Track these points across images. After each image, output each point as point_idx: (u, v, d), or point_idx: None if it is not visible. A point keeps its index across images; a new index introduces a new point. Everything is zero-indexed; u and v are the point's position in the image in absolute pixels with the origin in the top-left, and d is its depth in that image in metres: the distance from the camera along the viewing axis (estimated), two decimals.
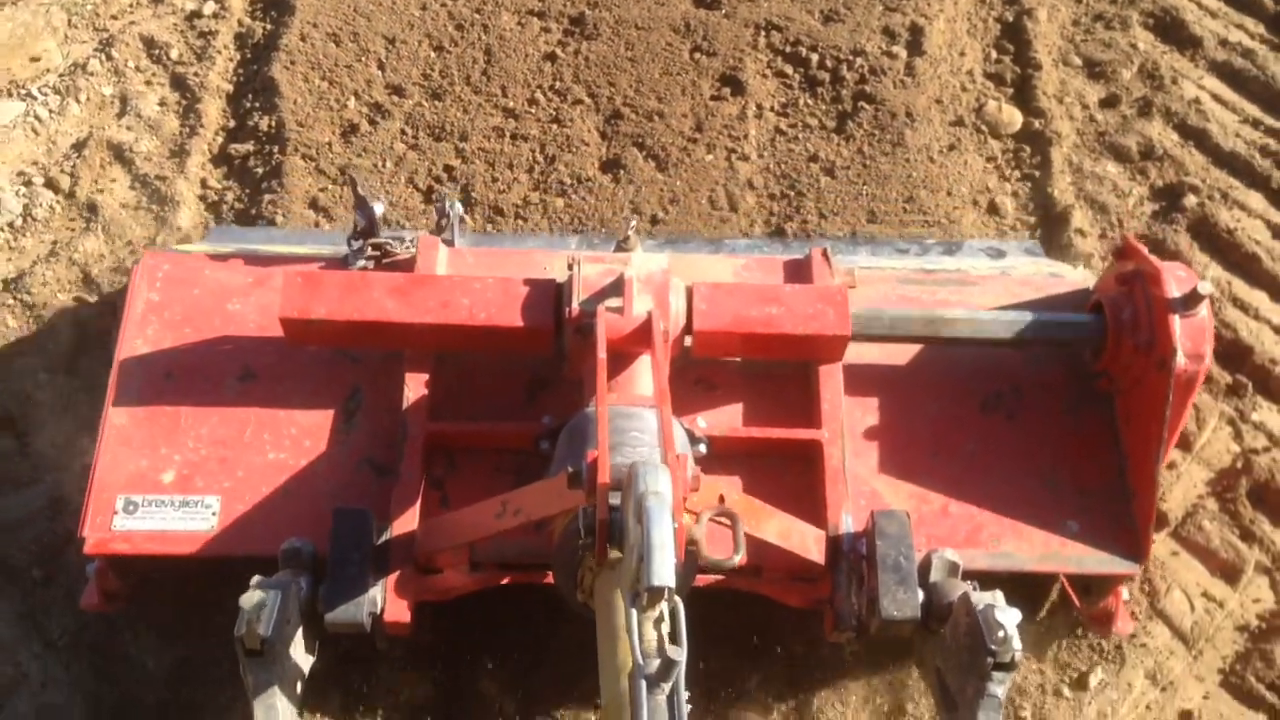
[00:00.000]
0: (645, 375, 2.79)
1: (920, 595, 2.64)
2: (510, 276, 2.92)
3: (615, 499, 2.26)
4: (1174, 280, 2.86)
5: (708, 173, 3.96)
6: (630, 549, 2.13)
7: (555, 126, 4.04)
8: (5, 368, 3.59)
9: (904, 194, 3.95)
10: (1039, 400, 3.14)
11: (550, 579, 2.61)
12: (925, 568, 2.72)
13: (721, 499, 2.46)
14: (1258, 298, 3.88)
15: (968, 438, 3.08)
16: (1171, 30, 4.46)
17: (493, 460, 2.94)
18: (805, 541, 2.74)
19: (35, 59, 4.20)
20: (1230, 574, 3.39)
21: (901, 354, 3.15)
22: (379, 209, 3.10)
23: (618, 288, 2.79)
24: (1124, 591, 3.06)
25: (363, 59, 4.18)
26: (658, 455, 2.42)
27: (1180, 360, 2.80)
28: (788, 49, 4.25)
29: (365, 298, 2.85)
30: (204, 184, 3.98)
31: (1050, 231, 3.94)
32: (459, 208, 3.24)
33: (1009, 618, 2.47)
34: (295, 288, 2.85)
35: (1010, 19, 4.45)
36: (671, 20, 4.28)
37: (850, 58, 4.22)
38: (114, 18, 4.33)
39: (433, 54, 4.20)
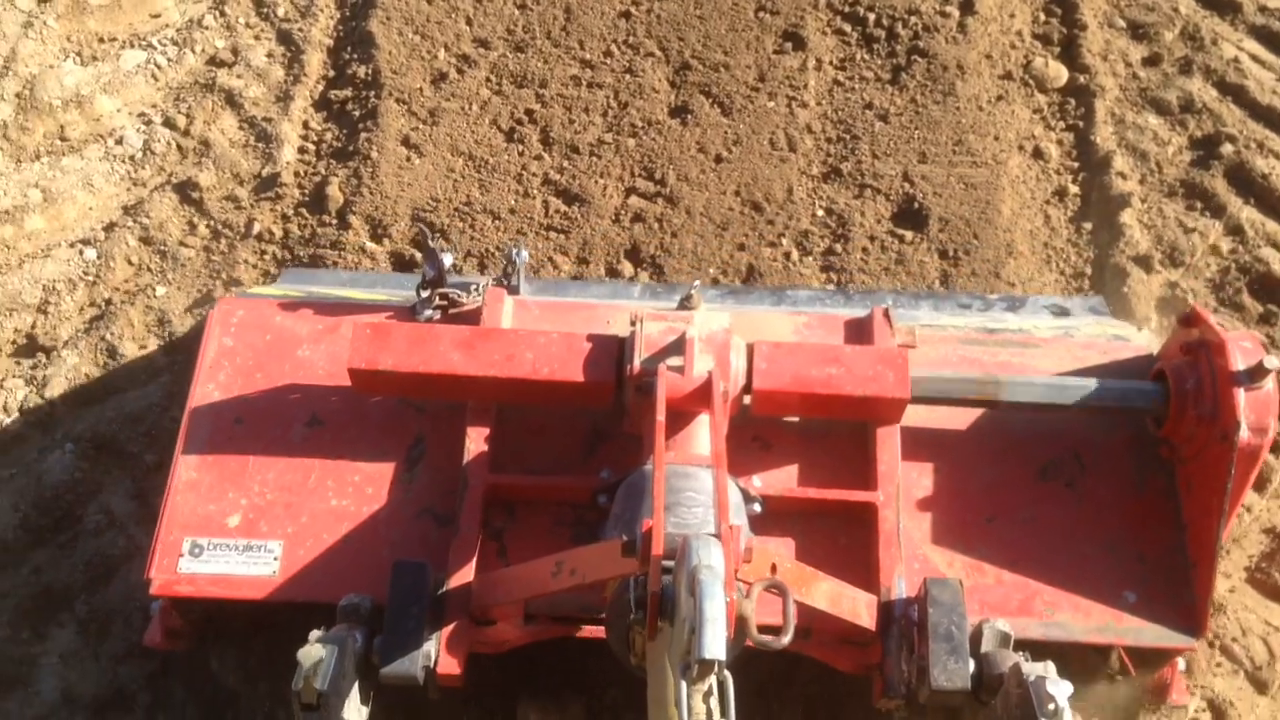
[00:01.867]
0: (704, 434, 2.80)
1: (971, 665, 2.61)
2: (574, 331, 2.95)
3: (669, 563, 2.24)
4: (1239, 352, 2.81)
5: (769, 118, 4.25)
6: (681, 621, 2.12)
7: (628, 76, 4.36)
8: (128, 290, 3.96)
9: (953, 138, 4.21)
10: (1099, 468, 3.09)
11: (604, 634, 2.55)
12: (977, 637, 2.69)
13: (774, 569, 2.43)
14: None
15: (1025, 504, 3.04)
16: None
17: (552, 513, 2.96)
18: (856, 607, 2.73)
19: (155, 15, 4.60)
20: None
21: (961, 417, 3.12)
22: (448, 260, 3.17)
23: (679, 347, 2.81)
24: (1180, 662, 3.01)
25: (452, 15, 4.53)
26: (712, 522, 2.42)
27: (1244, 434, 2.76)
28: (846, 8, 4.54)
29: (431, 350, 2.89)
30: (306, 125, 4.34)
31: (1092, 176, 4.19)
32: (525, 256, 3.30)
33: (1061, 690, 2.42)
34: (364, 339, 2.89)
35: None
36: None
37: (905, 16, 4.51)
38: None
39: (516, 11, 4.55)
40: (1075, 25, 4.57)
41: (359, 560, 2.89)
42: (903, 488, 2.97)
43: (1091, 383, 3.02)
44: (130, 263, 4.00)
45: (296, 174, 4.20)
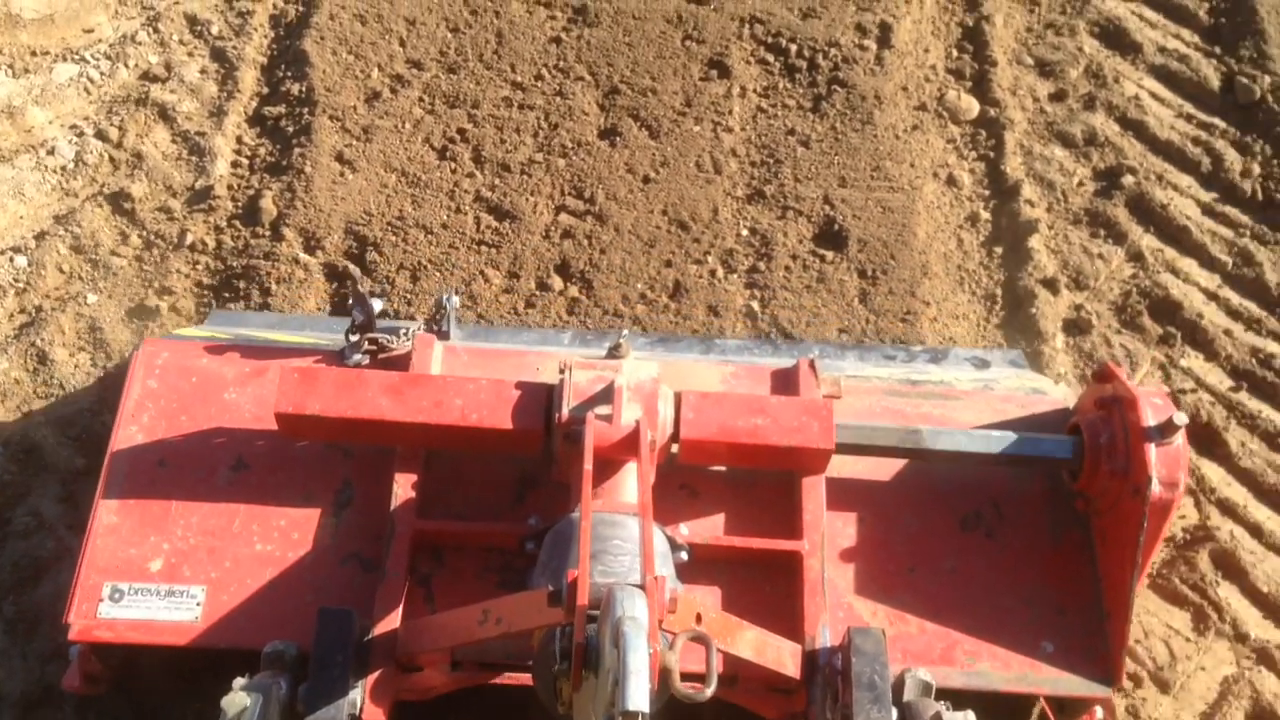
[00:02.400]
0: (631, 482, 2.82)
1: (894, 714, 2.66)
2: (503, 378, 2.98)
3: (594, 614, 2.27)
4: (1150, 408, 2.90)
5: (695, 141, 4.40)
6: (606, 672, 2.16)
7: (559, 99, 4.49)
8: (59, 297, 3.97)
9: (871, 164, 4.39)
10: (1018, 519, 3.18)
11: (531, 681, 2.57)
12: (899, 686, 2.75)
13: (699, 618, 2.44)
14: (1186, 263, 4.31)
15: (947, 554, 3.12)
16: (1115, 37, 4.94)
17: (480, 559, 2.98)
18: (781, 656, 2.76)
19: (88, 30, 4.63)
20: None
21: (884, 468, 3.19)
22: (377, 305, 3.20)
23: (607, 395, 2.84)
24: (1098, 711, 3.05)
25: (385, 37, 4.63)
26: (637, 572, 2.44)
27: (1155, 488, 2.83)
28: (769, 39, 4.72)
29: (360, 395, 2.89)
30: (239, 140, 4.39)
31: (1002, 203, 4.39)
32: (456, 302, 3.34)
33: None
34: (291, 383, 2.89)
35: (970, 23, 4.93)
36: (665, 12, 4.75)
37: (825, 48, 4.69)
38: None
39: (449, 35, 4.66)
40: (986, 61, 4.79)
41: (284, 606, 2.88)
42: (828, 537, 3.02)
43: (1010, 435, 3.10)
44: (61, 270, 4.02)
45: (230, 187, 4.25)
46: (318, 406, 2.87)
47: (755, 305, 4.01)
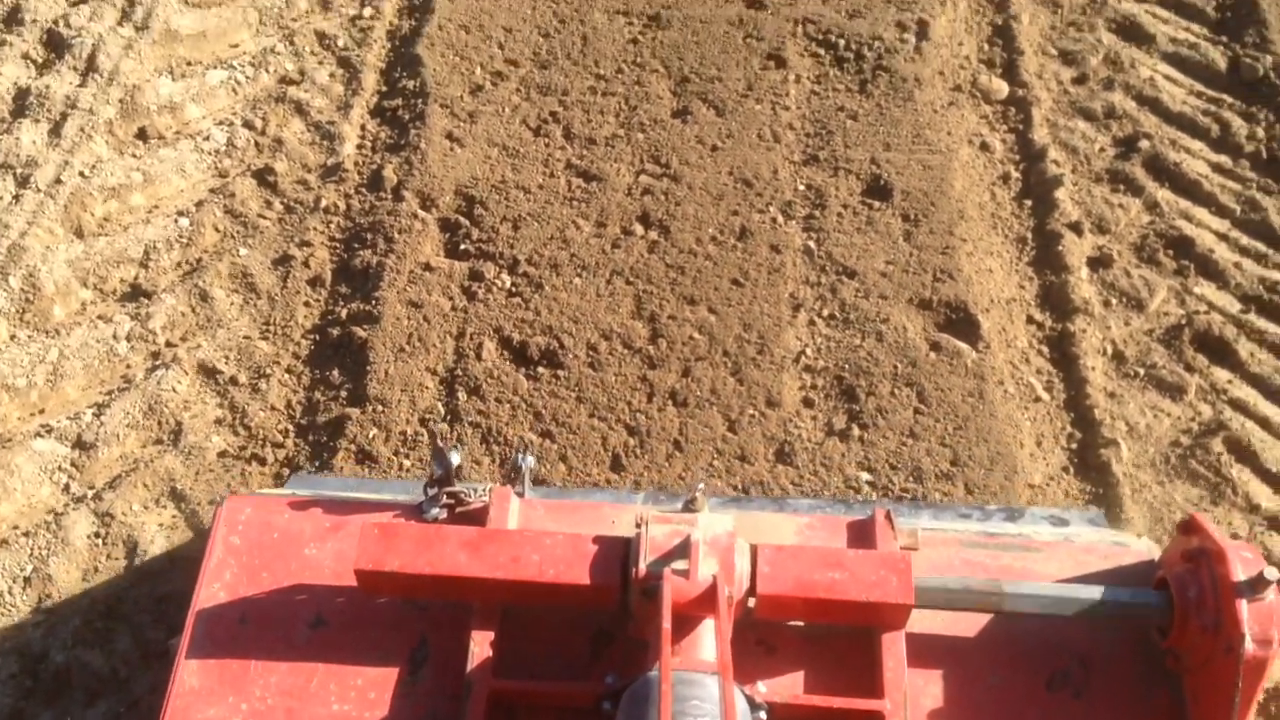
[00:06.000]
0: (709, 639, 2.78)
1: None
2: (579, 532, 2.95)
3: None
4: (1240, 562, 2.78)
5: (756, 117, 5.05)
6: None
7: (637, 87, 5.17)
8: (215, 251, 4.69)
9: (913, 132, 5.00)
10: (1106, 678, 3.05)
11: None
12: None
13: None
14: (1199, 211, 4.83)
15: (1033, 716, 2.98)
16: (1131, 31, 5.54)
17: (556, 718, 2.94)
18: None
19: (234, 45, 5.42)
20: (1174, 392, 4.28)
21: (966, 622, 3.09)
22: (455, 459, 3.20)
23: (684, 550, 2.80)
24: None
25: (487, 41, 5.37)
26: None
27: (1249, 645, 2.72)
28: (820, 36, 5.39)
29: (438, 552, 2.89)
30: (363, 128, 5.12)
31: (1031, 165, 4.96)
32: (531, 461, 3.37)
33: None
34: (371, 539, 2.90)
35: (1000, 22, 5.56)
36: (728, 16, 5.45)
37: (870, 41, 5.34)
38: (294, 19, 5.56)
39: (540, 39, 5.38)
40: (1015, 51, 5.41)
41: None
42: (910, 696, 2.91)
43: (1096, 591, 2.99)
44: (217, 230, 4.72)
45: (356, 163, 4.96)
46: (397, 563, 2.88)
47: (812, 244, 4.60)
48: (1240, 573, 2.76)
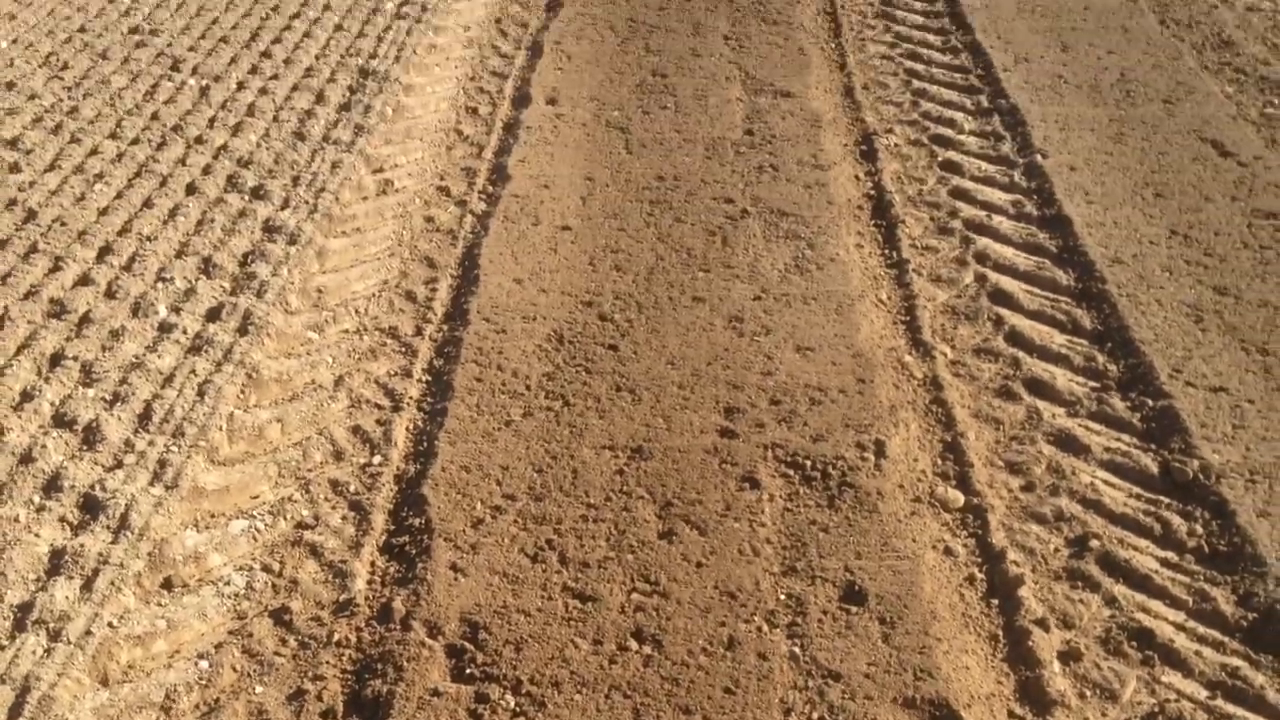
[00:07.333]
0: None
1: None
2: None
3: None
4: None
5: (736, 534, 5.49)
6: None
7: (625, 513, 5.64)
8: (232, 690, 4.94)
9: (880, 541, 5.43)
10: None
11: None
12: None
13: None
14: (1154, 603, 5.20)
15: None
16: (1067, 442, 6.13)
17: None
18: None
19: (255, 496, 5.92)
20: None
21: None
22: None
23: None
24: None
25: (485, 479, 5.89)
26: None
27: None
28: (789, 459, 5.94)
29: None
30: (373, 564, 5.52)
31: (993, 566, 5.37)
32: None
33: None
34: None
35: (949, 439, 6.16)
36: (704, 445, 6.02)
37: (834, 461, 5.89)
38: (310, 469, 6.10)
39: (535, 474, 5.91)
40: (965, 464, 5.97)
41: None
42: None
43: None
44: (234, 670, 4.99)
45: (367, 598, 5.31)
46: None
47: (797, 649, 4.90)
48: None
